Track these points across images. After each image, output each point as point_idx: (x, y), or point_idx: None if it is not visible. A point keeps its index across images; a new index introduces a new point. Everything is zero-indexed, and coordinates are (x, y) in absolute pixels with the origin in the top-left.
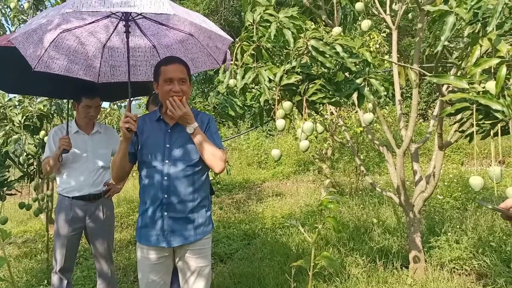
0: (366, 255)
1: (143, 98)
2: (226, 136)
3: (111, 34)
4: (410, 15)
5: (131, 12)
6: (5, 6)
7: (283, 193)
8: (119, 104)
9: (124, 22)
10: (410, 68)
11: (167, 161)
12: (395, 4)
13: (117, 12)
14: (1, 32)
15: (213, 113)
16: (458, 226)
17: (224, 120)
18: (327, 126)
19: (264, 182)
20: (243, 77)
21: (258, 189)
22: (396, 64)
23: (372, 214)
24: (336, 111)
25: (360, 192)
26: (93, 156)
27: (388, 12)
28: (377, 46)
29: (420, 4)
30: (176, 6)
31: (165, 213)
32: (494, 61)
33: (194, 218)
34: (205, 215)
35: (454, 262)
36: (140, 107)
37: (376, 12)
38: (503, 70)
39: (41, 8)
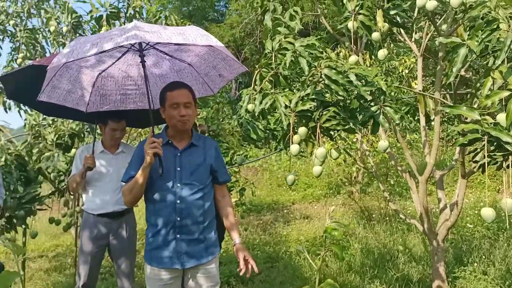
0: (387, 283)
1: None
2: (257, 156)
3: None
4: (437, 43)
5: (147, 43)
6: (46, 29)
7: (311, 215)
8: None
9: (139, 53)
10: (429, 96)
11: (178, 184)
12: (415, 33)
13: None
14: (42, 54)
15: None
16: (486, 257)
17: (246, 143)
18: (354, 151)
19: (293, 204)
20: (260, 102)
21: (286, 211)
22: (415, 91)
23: (399, 241)
24: (362, 136)
25: (388, 218)
26: (117, 175)
27: (413, 39)
28: (406, 71)
29: (441, 33)
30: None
31: (178, 235)
32: (505, 94)
33: (205, 239)
34: (214, 236)
35: None
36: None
37: (401, 39)
38: None
39: (79, 31)
